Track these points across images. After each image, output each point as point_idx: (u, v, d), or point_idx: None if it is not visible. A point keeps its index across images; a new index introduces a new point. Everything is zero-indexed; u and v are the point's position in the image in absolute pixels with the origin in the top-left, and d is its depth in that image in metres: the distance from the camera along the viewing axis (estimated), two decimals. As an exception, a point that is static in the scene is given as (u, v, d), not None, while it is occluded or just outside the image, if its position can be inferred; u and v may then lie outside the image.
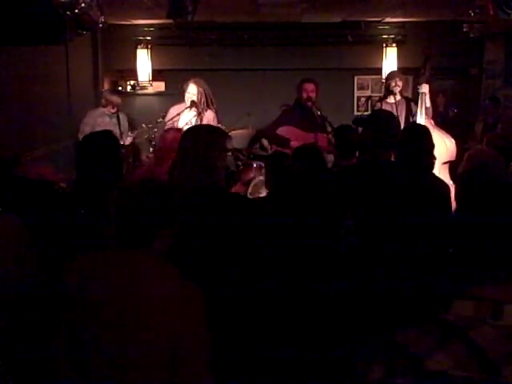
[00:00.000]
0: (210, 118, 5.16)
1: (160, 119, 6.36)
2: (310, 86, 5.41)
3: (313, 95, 5.38)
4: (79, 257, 1.88)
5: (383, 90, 5.68)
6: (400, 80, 5.50)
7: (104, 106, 6.30)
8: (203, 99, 5.18)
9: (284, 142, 5.27)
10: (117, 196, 1.86)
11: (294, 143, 5.09)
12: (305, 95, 5.39)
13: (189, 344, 1.72)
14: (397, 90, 5.45)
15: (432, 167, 3.07)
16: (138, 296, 1.73)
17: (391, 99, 5.47)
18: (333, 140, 4.76)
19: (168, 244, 1.89)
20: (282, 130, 5.41)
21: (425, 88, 5.23)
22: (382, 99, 5.59)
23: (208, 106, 5.20)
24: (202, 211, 2.33)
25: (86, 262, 1.84)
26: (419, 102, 5.23)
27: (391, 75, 5.68)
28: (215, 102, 5.25)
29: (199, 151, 2.47)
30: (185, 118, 5.30)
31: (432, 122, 5.14)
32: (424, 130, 3.20)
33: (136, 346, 1.70)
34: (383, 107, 5.31)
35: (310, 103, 5.36)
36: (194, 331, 1.73)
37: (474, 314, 1.11)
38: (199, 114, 5.19)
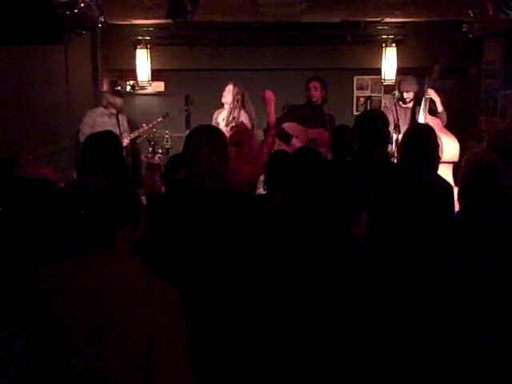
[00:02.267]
0: (243, 118, 5.55)
1: (160, 118, 6.41)
2: (312, 84, 5.57)
3: (315, 93, 5.47)
4: (56, 261, 1.81)
5: (396, 93, 5.64)
6: (414, 91, 5.50)
7: (105, 107, 6.30)
8: (238, 97, 5.60)
9: (287, 137, 5.39)
10: (71, 193, 1.77)
11: (294, 141, 5.29)
12: (309, 93, 5.53)
13: (164, 345, 1.66)
14: (409, 99, 5.49)
15: (435, 167, 3.07)
16: (113, 297, 1.68)
17: (406, 104, 5.51)
18: None
19: (134, 241, 1.81)
20: (286, 126, 5.51)
21: (430, 93, 5.25)
22: (397, 101, 5.57)
23: (243, 107, 5.61)
24: (211, 212, 2.33)
25: (62, 266, 1.78)
26: (422, 105, 5.25)
27: (407, 87, 5.57)
28: (250, 106, 5.70)
29: (202, 154, 2.47)
30: (220, 119, 5.74)
31: (440, 122, 5.14)
32: (427, 130, 3.20)
33: (110, 350, 1.66)
34: (397, 110, 5.37)
35: (314, 100, 5.51)
36: (168, 332, 1.67)
37: None
38: (231, 111, 5.60)
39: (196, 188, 2.46)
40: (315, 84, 5.58)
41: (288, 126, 5.49)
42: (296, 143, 5.24)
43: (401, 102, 5.54)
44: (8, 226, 2.71)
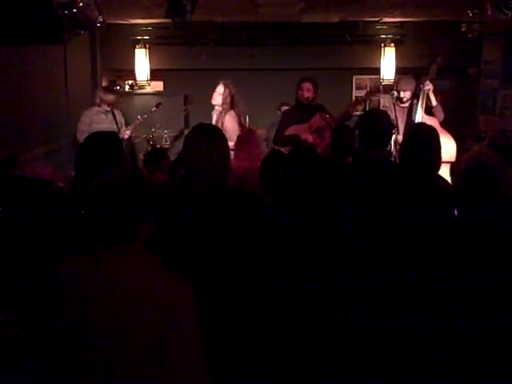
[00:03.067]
0: (229, 119, 5.37)
1: (154, 108, 6.44)
2: (305, 85, 5.54)
3: (308, 94, 5.49)
4: (71, 257, 1.86)
5: (395, 93, 5.63)
6: (411, 90, 5.49)
7: (98, 105, 6.34)
8: (228, 99, 5.38)
9: (295, 138, 5.37)
10: (95, 194, 1.80)
11: (304, 135, 5.34)
12: (303, 94, 5.50)
13: (180, 338, 1.70)
14: (406, 99, 5.48)
15: (436, 167, 3.06)
16: (132, 292, 1.72)
17: (404, 104, 5.51)
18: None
19: (146, 236, 1.87)
20: (288, 132, 5.53)
21: (428, 85, 5.25)
22: (395, 100, 5.57)
23: (231, 108, 5.39)
24: (203, 209, 2.33)
25: (77, 263, 1.81)
26: (420, 97, 5.25)
27: (405, 86, 5.55)
28: (241, 104, 5.48)
29: (200, 152, 2.46)
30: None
31: (437, 121, 5.13)
32: (429, 130, 3.19)
33: (127, 343, 1.69)
34: (396, 110, 5.37)
35: (306, 101, 5.49)
36: (184, 325, 1.72)
37: None
38: (221, 113, 5.40)
39: (196, 186, 2.46)
40: (308, 85, 5.56)
41: (289, 131, 5.53)
42: (307, 137, 5.34)
43: (398, 102, 5.54)
44: (7, 225, 2.71)
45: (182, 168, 2.71)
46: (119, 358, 1.69)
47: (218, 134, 2.67)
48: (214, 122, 5.37)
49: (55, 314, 1.78)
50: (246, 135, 4.62)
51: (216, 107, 5.48)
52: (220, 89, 5.43)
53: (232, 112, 5.39)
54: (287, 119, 5.68)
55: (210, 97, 5.62)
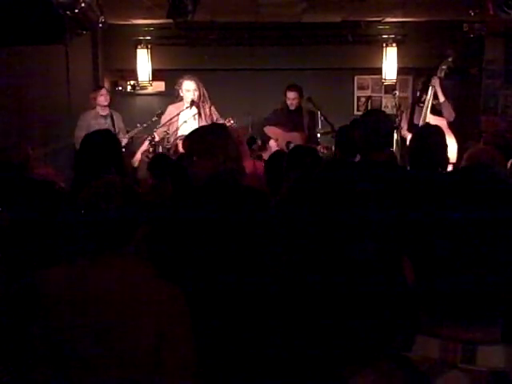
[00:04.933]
0: (207, 112, 5.44)
1: (155, 117, 6.39)
2: (290, 94, 5.96)
3: (293, 102, 5.93)
4: (62, 264, 1.83)
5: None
6: None
7: (94, 108, 6.18)
8: (202, 92, 5.44)
9: (265, 139, 6.01)
10: (88, 199, 1.76)
11: (271, 142, 5.89)
12: (288, 102, 5.95)
13: (172, 344, 1.69)
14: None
15: (442, 167, 3.05)
16: (121, 299, 1.70)
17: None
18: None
19: (139, 243, 1.85)
20: (267, 129, 6.05)
21: (434, 82, 5.29)
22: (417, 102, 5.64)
23: (206, 102, 5.47)
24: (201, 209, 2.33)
25: (66, 268, 1.79)
26: (428, 96, 5.30)
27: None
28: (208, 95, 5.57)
29: (204, 151, 2.45)
30: (183, 117, 5.43)
31: (443, 121, 5.13)
32: (435, 130, 3.18)
33: (120, 348, 1.68)
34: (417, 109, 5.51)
35: (292, 108, 5.96)
36: (177, 331, 1.71)
37: (440, 355, 0.94)
38: (199, 111, 5.42)
39: (199, 186, 2.45)
40: (292, 94, 5.92)
41: (269, 130, 5.99)
42: (272, 144, 5.81)
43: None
44: (11, 226, 2.71)
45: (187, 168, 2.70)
46: (110, 363, 1.68)
47: (228, 131, 2.66)
48: (198, 119, 5.38)
49: (40, 319, 1.75)
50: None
51: (193, 105, 5.39)
52: (191, 85, 5.40)
53: (209, 103, 5.45)
54: (274, 118, 6.08)
55: (212, 97, 5.61)
